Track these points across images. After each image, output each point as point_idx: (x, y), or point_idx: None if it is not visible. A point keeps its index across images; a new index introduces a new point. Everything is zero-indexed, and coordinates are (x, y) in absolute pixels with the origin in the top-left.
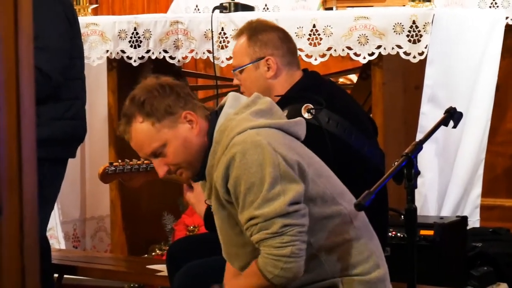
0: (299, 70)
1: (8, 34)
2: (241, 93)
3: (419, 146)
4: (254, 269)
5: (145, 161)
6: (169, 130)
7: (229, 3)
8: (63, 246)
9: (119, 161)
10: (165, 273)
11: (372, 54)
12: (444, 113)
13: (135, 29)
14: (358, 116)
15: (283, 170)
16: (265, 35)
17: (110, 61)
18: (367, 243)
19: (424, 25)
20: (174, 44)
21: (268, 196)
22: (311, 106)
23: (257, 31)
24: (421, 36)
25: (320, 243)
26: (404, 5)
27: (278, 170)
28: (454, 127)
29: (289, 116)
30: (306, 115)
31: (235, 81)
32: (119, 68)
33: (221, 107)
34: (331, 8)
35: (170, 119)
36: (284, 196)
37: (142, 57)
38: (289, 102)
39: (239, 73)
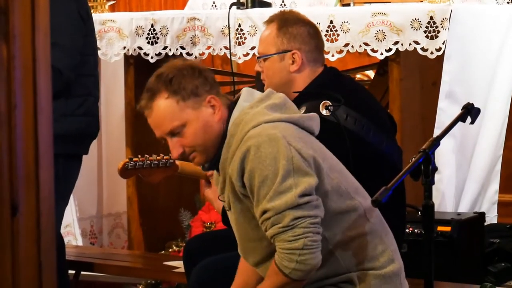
0: (322, 67)
1: (25, 31)
2: (260, 87)
3: (436, 142)
4: (273, 268)
5: (165, 157)
6: (192, 111)
7: (246, 0)
8: (80, 243)
9: (139, 156)
10: (182, 269)
11: (390, 50)
12: (461, 109)
13: (152, 25)
14: (377, 113)
15: (297, 163)
16: (295, 28)
17: (127, 57)
18: (381, 238)
19: (441, 21)
20: (191, 40)
21: (280, 189)
22: (329, 103)
23: (288, 23)
24: (438, 32)
25: (335, 238)
26: (421, 1)
27: (292, 163)
28: (472, 123)
29: (307, 113)
30: (324, 112)
31: (257, 67)
32: (136, 65)
33: (236, 101)
34: (348, 4)
35: (194, 100)
36: (295, 188)
37: (159, 54)
38: (307, 98)
39: (262, 61)
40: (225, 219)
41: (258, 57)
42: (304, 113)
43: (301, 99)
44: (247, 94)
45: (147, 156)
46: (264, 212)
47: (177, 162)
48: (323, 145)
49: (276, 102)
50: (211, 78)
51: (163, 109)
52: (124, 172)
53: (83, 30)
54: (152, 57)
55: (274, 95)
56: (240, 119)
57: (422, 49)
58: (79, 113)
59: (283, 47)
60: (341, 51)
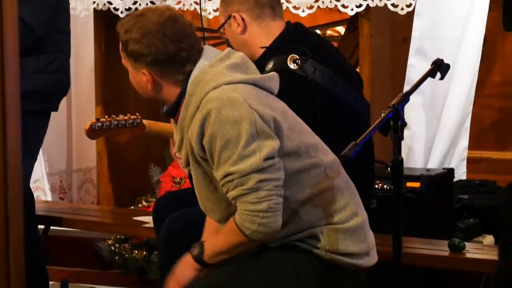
0: (276, 21)
1: None
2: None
3: (406, 98)
4: (232, 226)
5: (132, 117)
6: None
7: None
8: (49, 198)
9: (106, 117)
10: (152, 224)
11: (360, 6)
12: (431, 65)
13: None
14: (344, 67)
15: (260, 126)
16: None
17: (96, 12)
18: (343, 193)
19: None
20: None
21: (244, 153)
22: (296, 56)
23: None
24: None
25: (296, 196)
26: None
27: (255, 126)
28: (441, 78)
29: (275, 67)
30: (292, 66)
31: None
32: (105, 20)
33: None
34: None
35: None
36: (259, 152)
37: (129, 9)
38: (275, 53)
39: (223, 32)
40: (191, 176)
41: (217, 30)
42: (271, 67)
43: (268, 54)
44: (207, 53)
45: (114, 116)
46: (227, 175)
47: (145, 121)
48: (284, 103)
49: (237, 61)
50: None
51: None
52: (91, 132)
53: None
54: (122, 12)
55: (233, 54)
56: (200, 79)
57: (393, 5)
58: (51, 70)
59: (226, 14)
60: (311, 7)
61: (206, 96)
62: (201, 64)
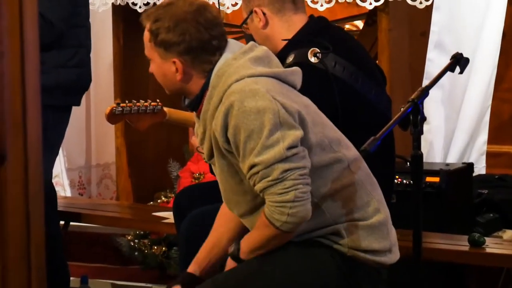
0: (298, 14)
1: None
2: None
3: (425, 92)
4: (263, 220)
5: (152, 103)
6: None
7: None
8: (68, 194)
9: (126, 102)
10: (171, 220)
11: (378, 0)
12: (450, 59)
13: None
14: (366, 62)
15: (283, 117)
16: None
17: (115, 7)
18: (366, 189)
19: None
20: None
21: (267, 143)
22: (317, 50)
23: None
24: None
25: (319, 191)
26: None
27: (278, 117)
28: (461, 73)
29: (295, 60)
30: (313, 59)
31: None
32: (124, 15)
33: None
34: None
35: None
36: (283, 141)
37: (148, 3)
38: (296, 46)
39: (246, 27)
40: (213, 169)
41: (239, 26)
42: (292, 60)
43: (289, 47)
44: (231, 46)
45: (135, 101)
46: (252, 166)
47: (165, 109)
48: (306, 98)
49: (259, 54)
50: None
51: None
52: (112, 117)
53: None
54: (140, 7)
55: (257, 48)
56: (223, 71)
57: None
58: (71, 65)
59: (248, 9)
60: (330, 1)
61: (229, 89)
62: (225, 56)
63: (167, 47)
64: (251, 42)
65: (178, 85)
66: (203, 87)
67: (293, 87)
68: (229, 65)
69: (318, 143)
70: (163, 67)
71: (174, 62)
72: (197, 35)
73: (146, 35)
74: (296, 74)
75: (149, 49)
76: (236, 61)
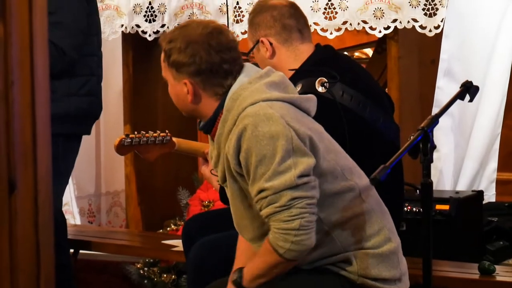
0: (304, 44)
1: (22, 9)
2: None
3: (435, 120)
4: (267, 247)
5: (161, 134)
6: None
7: None
8: (78, 222)
9: (135, 133)
10: (180, 248)
11: (388, 28)
12: (460, 87)
13: (150, 3)
14: (374, 90)
15: (296, 143)
16: (258, 17)
17: (125, 35)
18: (378, 217)
19: None
20: (189, 18)
21: (279, 169)
22: (325, 79)
23: (254, 14)
24: (437, 9)
25: (330, 219)
26: None
27: (291, 143)
28: (470, 101)
29: (303, 90)
30: (320, 89)
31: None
32: (134, 43)
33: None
34: None
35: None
36: (294, 169)
37: (157, 32)
38: (303, 75)
39: (252, 56)
40: (223, 196)
41: (246, 54)
42: (300, 90)
43: (296, 76)
44: (247, 70)
45: (144, 133)
46: (261, 191)
47: (174, 139)
48: (320, 125)
49: (276, 80)
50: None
51: None
52: (121, 148)
53: (87, 9)
54: (150, 35)
55: (273, 73)
56: (238, 95)
57: (421, 27)
58: (82, 93)
59: (254, 39)
60: (339, 29)
61: (243, 112)
62: (241, 80)
63: (178, 67)
64: (268, 67)
65: (190, 107)
66: (217, 110)
67: (308, 114)
68: (244, 89)
69: (330, 170)
70: (176, 87)
71: (185, 83)
72: (207, 57)
73: (162, 55)
74: (311, 101)
75: (164, 70)
76: (251, 85)
